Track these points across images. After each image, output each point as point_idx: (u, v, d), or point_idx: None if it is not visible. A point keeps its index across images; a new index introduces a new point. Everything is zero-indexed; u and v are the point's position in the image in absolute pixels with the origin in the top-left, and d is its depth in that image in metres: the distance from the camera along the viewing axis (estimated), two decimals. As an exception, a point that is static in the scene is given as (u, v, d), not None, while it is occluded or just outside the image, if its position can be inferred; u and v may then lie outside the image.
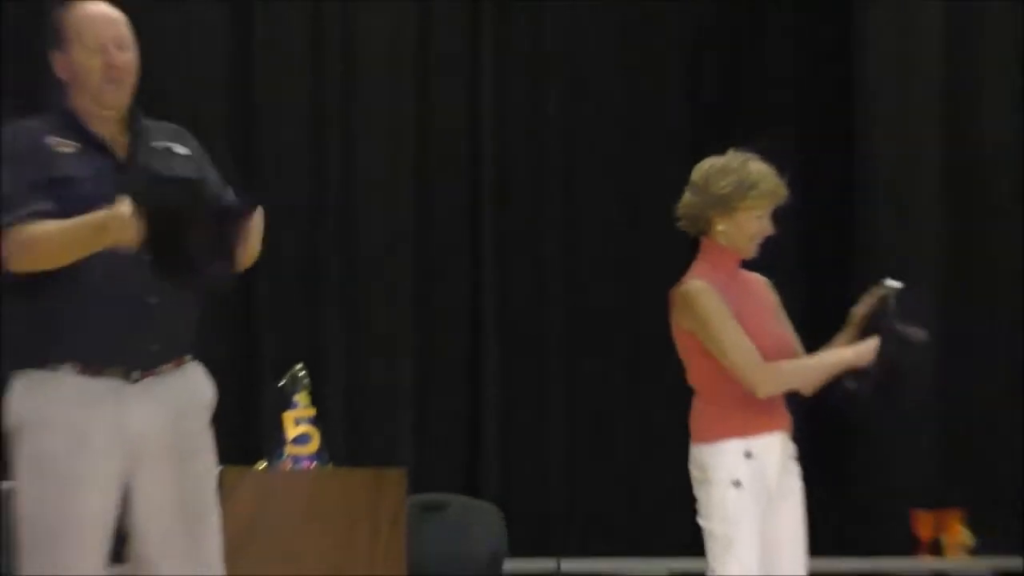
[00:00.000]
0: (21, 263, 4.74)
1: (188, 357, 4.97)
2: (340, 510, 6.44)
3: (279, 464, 6.45)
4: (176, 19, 9.00)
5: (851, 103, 9.51)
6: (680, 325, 5.55)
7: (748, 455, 5.59)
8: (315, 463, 6.50)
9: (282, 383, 6.59)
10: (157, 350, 4.84)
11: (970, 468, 8.89)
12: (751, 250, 5.61)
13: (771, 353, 5.57)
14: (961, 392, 8.88)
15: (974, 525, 8.63)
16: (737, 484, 5.57)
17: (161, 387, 4.89)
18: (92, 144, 4.95)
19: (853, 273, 9.26)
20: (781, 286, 5.91)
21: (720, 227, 5.61)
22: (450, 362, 9.12)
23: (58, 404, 4.77)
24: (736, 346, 5.50)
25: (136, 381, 4.80)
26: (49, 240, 4.74)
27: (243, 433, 8.12)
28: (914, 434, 8.88)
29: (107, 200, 4.72)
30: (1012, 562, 8.56)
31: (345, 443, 8.15)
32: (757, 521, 5.57)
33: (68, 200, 4.79)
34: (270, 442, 6.58)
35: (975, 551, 8.58)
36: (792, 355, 5.68)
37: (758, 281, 5.78)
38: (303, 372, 6.60)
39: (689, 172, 5.89)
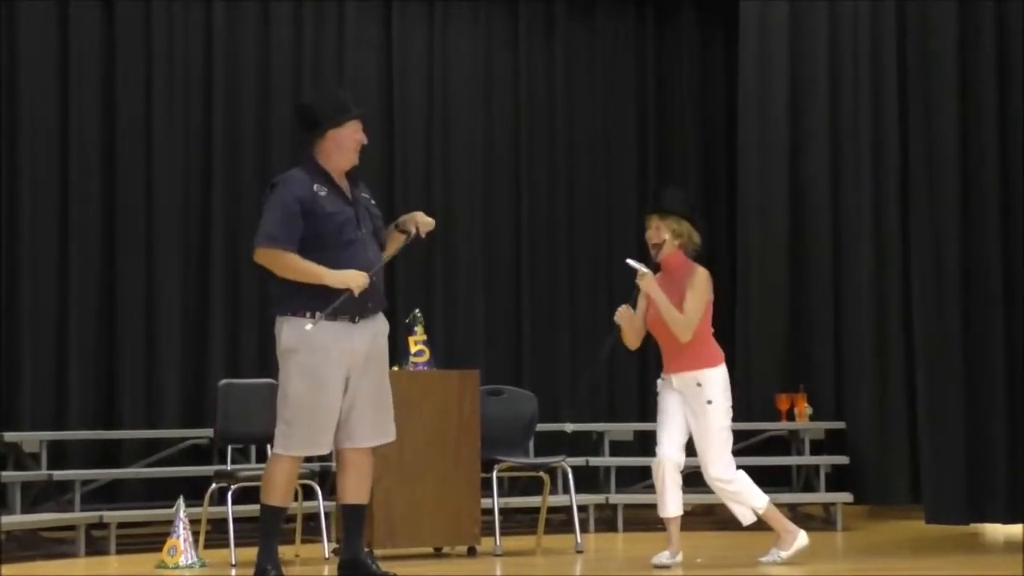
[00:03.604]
0: (277, 272, 5.18)
1: (384, 304, 5.35)
2: (441, 394, 6.61)
3: (406, 367, 6.62)
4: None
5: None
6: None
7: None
8: (427, 367, 6.66)
9: (408, 320, 6.71)
10: (371, 307, 5.22)
11: (808, 364, 8.77)
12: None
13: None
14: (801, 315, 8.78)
15: (812, 401, 8.66)
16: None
17: (368, 324, 5.23)
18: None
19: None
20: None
21: None
22: (505, 310, 9.05)
23: (313, 335, 5.08)
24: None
25: (357, 322, 5.20)
26: (296, 271, 5.11)
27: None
28: (775, 348, 8.81)
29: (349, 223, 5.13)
30: (836, 424, 8.60)
31: (444, 355, 8.04)
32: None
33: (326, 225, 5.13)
34: (401, 354, 6.66)
35: (812, 418, 8.62)
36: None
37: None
38: (419, 313, 6.74)
39: None
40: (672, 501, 5.96)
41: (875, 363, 8.49)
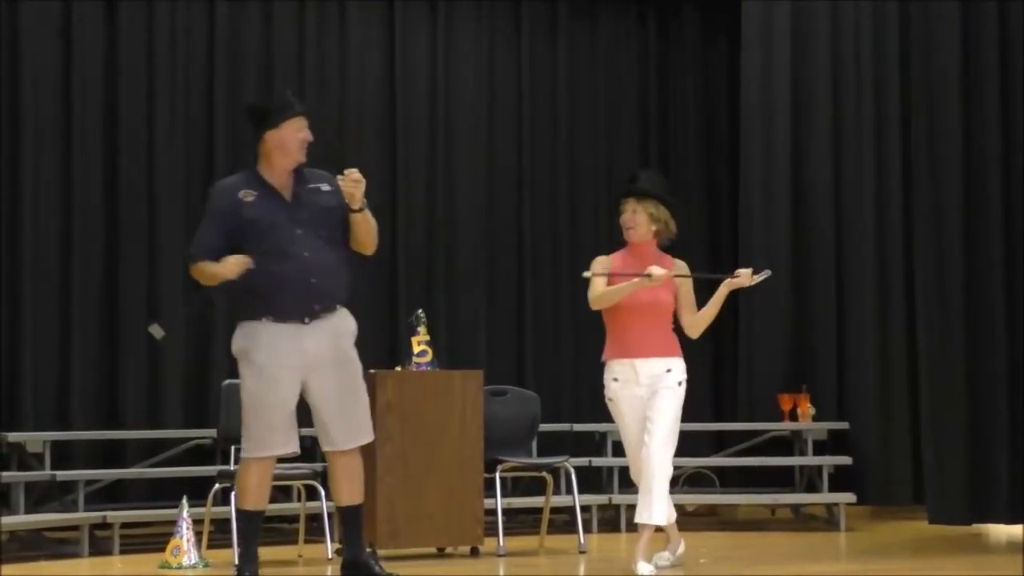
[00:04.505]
0: (201, 282, 5.21)
1: (338, 306, 5.20)
2: (444, 394, 6.56)
3: (409, 367, 6.62)
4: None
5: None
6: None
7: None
8: (429, 367, 6.63)
9: (410, 319, 6.71)
10: (319, 308, 5.16)
11: (811, 365, 8.72)
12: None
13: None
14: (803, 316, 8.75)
15: (815, 401, 8.61)
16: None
17: (323, 324, 5.15)
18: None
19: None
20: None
21: None
22: (507, 310, 9.00)
23: (261, 337, 5.14)
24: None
25: (308, 323, 5.15)
26: (203, 276, 5.17)
27: (388, 350, 8.42)
28: (777, 347, 8.78)
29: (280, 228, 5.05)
30: (839, 425, 8.56)
31: (447, 355, 8.15)
32: None
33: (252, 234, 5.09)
34: (403, 355, 6.81)
35: (815, 418, 8.58)
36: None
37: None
38: (422, 313, 6.72)
39: None
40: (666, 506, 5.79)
41: (878, 363, 8.44)
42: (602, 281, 5.76)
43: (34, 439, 7.42)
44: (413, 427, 6.37)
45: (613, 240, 9.04)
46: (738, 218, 9.13)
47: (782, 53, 8.88)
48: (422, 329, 6.64)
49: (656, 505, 5.62)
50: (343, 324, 5.23)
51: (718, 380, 9.39)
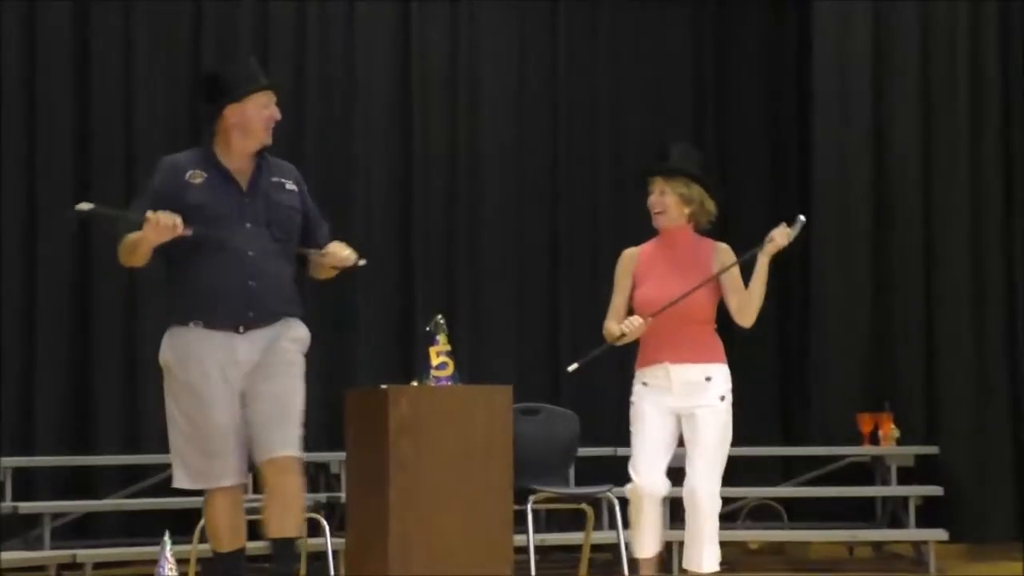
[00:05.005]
0: (125, 265, 4.91)
1: (283, 317, 4.93)
2: (467, 413, 6.23)
3: (426, 382, 6.19)
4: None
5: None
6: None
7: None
8: (450, 382, 6.30)
9: (428, 327, 6.29)
10: (253, 316, 4.87)
11: (894, 380, 8.63)
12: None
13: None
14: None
15: (899, 423, 8.44)
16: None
17: (262, 334, 4.87)
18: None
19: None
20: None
21: None
22: (540, 317, 8.92)
23: (191, 347, 4.87)
24: None
25: (243, 333, 4.86)
26: (126, 255, 4.83)
27: (403, 362, 8.24)
28: (855, 359, 8.68)
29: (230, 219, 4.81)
30: (928, 449, 8.42)
31: (471, 368, 7.95)
32: None
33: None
34: (420, 367, 6.34)
35: (900, 442, 8.40)
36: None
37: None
38: (442, 319, 6.32)
39: None
40: (653, 540, 5.55)
41: (973, 377, 8.39)
42: (614, 315, 5.64)
43: (-7, 465, 7.43)
44: (431, 452, 5.92)
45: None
46: (810, 211, 8.89)
47: (861, 32, 8.80)
48: (442, 338, 6.22)
49: (707, 550, 5.42)
50: (287, 330, 4.98)
51: (786, 397, 9.22)
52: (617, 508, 6.80)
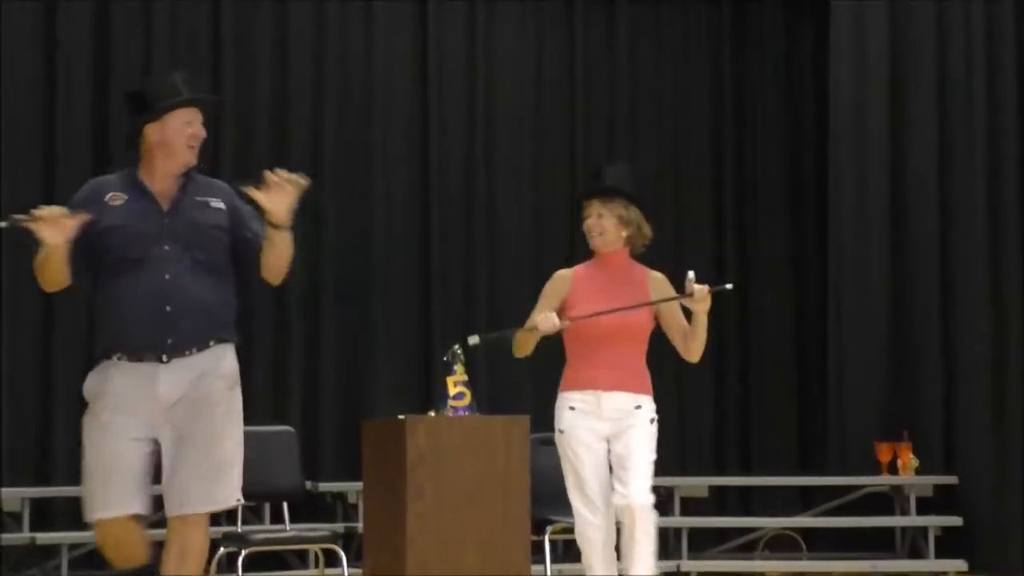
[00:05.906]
0: (47, 289, 4.61)
1: (212, 342, 4.59)
2: (484, 444, 6.31)
3: (444, 412, 6.34)
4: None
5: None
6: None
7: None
8: (467, 412, 6.37)
9: (446, 357, 6.44)
10: (172, 343, 4.53)
11: (914, 408, 8.61)
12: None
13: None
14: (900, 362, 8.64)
15: (918, 452, 8.44)
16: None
17: (187, 364, 4.53)
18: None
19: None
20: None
21: None
22: (558, 346, 8.93)
23: (112, 382, 4.53)
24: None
25: (166, 362, 4.51)
26: (41, 277, 4.51)
27: (421, 392, 8.27)
28: (873, 387, 8.64)
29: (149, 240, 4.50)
30: (947, 479, 8.42)
31: (489, 398, 8.03)
32: None
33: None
34: (437, 398, 6.47)
35: (919, 471, 8.42)
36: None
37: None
38: (459, 350, 6.41)
39: None
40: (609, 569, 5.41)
41: (993, 405, 8.35)
42: (540, 316, 5.56)
43: (10, 496, 7.36)
44: (448, 482, 6.07)
45: (680, 256, 8.97)
46: (827, 227, 9.00)
47: (878, 34, 8.80)
48: (459, 367, 6.38)
49: (648, 553, 5.32)
50: (214, 363, 4.60)
51: (803, 426, 9.15)
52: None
